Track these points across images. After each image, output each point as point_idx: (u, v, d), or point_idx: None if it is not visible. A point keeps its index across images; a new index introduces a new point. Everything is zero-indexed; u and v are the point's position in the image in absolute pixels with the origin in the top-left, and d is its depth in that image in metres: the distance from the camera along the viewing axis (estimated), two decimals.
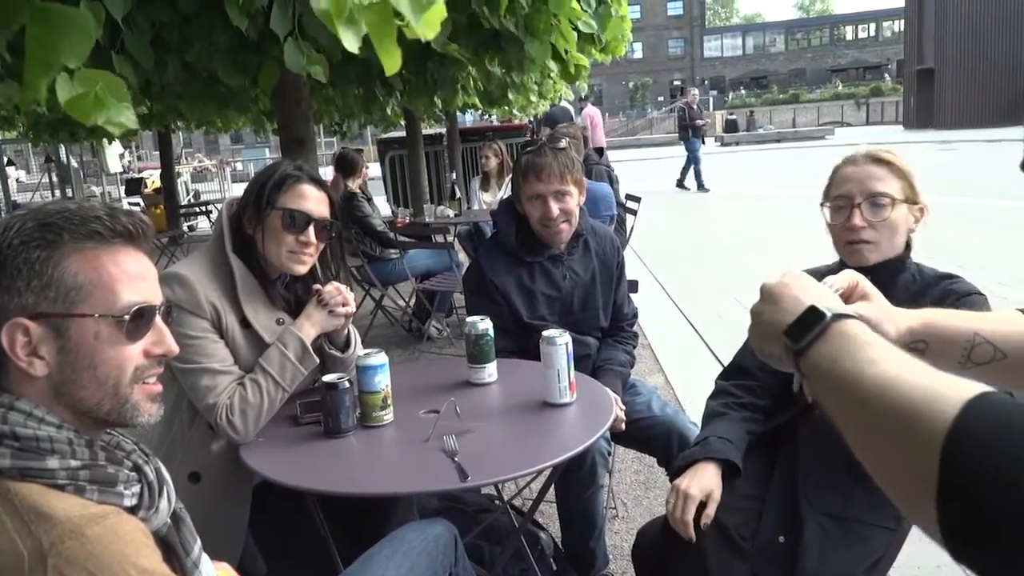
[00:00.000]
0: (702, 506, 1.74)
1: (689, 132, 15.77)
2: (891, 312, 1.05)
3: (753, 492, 1.84)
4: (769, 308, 0.92)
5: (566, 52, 3.67)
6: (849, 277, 1.06)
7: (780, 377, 1.96)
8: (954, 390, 0.62)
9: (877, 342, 0.75)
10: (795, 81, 59.28)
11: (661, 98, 60.17)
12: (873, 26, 61.51)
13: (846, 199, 1.77)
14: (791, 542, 1.74)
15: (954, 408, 0.60)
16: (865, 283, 1.06)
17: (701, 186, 15.74)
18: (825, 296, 0.90)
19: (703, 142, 16.16)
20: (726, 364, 2.10)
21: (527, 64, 3.89)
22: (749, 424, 1.91)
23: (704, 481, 1.77)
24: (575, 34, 3.51)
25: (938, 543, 0.59)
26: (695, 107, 16.03)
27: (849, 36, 62.85)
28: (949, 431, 0.59)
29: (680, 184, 16.45)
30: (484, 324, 2.15)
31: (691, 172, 16.01)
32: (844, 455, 1.70)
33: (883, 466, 0.66)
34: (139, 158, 31.22)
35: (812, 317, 0.82)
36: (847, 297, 1.07)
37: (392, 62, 0.82)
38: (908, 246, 1.85)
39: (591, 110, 13.43)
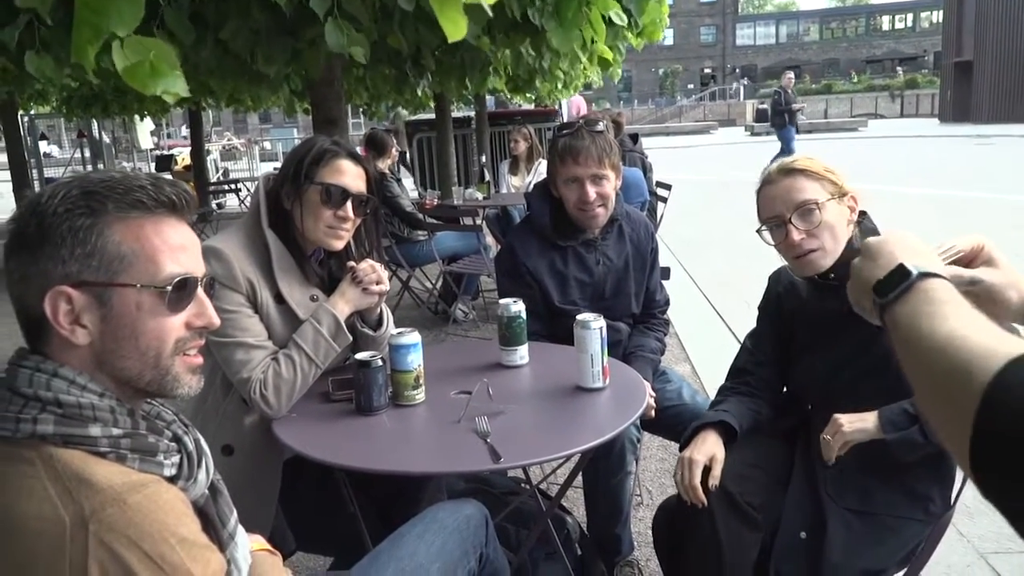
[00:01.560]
0: (708, 472, 1.81)
1: (785, 118, 14.63)
2: (1017, 279, 1.03)
3: (758, 462, 1.89)
4: (867, 264, 0.94)
5: (592, 42, 3.63)
6: (973, 241, 1.05)
7: (774, 369, 2.03)
8: (1007, 347, 0.65)
9: (955, 301, 0.78)
10: (829, 71, 58.49)
11: (691, 86, 59.68)
12: (911, 16, 60.53)
13: (777, 218, 1.80)
14: (813, 538, 1.76)
15: (1000, 363, 0.63)
16: (992, 248, 1.05)
17: None
18: (920, 255, 0.91)
19: (797, 130, 14.99)
20: None
21: (549, 53, 3.86)
22: (748, 403, 1.98)
23: (705, 446, 1.85)
24: (603, 25, 3.47)
25: (970, 477, 0.64)
26: (790, 91, 14.80)
27: (886, 26, 61.89)
28: (989, 383, 0.62)
29: None
30: (517, 306, 2.14)
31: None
32: (861, 452, 1.70)
33: (936, 414, 0.71)
34: (168, 135, 31.51)
35: (898, 274, 0.85)
36: (969, 261, 1.05)
37: (456, 29, 0.81)
38: (871, 232, 1.86)
39: (576, 99, 13.19)
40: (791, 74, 15.47)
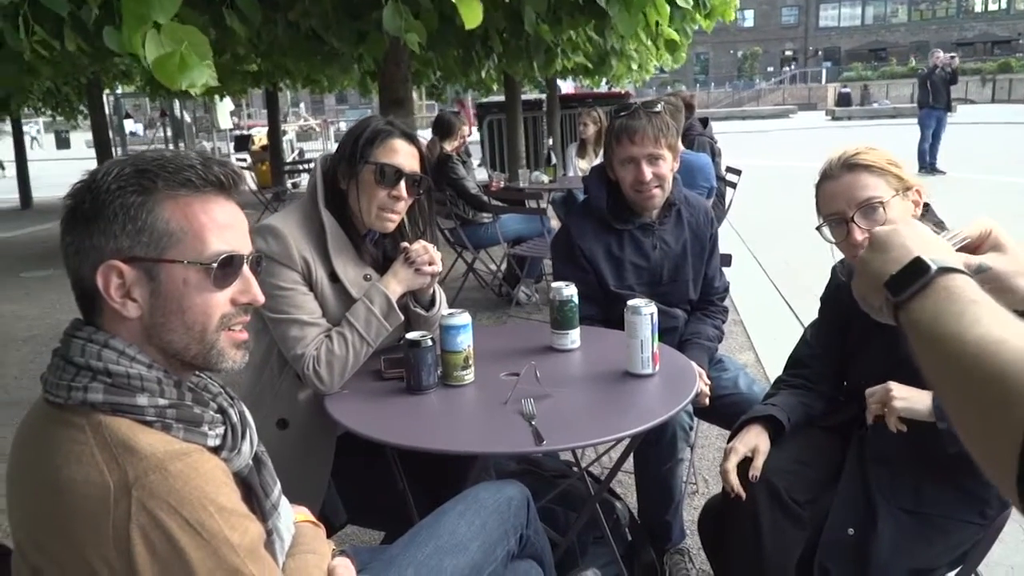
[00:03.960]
0: (751, 462, 1.80)
1: (929, 97, 12.86)
2: None
3: (808, 458, 1.86)
4: (876, 257, 0.86)
5: (657, 24, 3.56)
6: (981, 226, 0.99)
7: (832, 362, 1.98)
8: None
9: (983, 300, 0.71)
10: (917, 54, 56.24)
11: (771, 68, 58.19)
12: None
13: (838, 215, 1.72)
14: (862, 535, 1.72)
15: None
16: (999, 232, 0.99)
17: (932, 166, 12.70)
18: (935, 247, 0.84)
19: (949, 108, 13.04)
20: None
21: (613, 35, 3.80)
22: (800, 396, 1.96)
23: (747, 438, 1.85)
24: (668, 7, 3.40)
25: (1019, 509, 0.58)
26: (940, 68, 12.95)
27: (978, 8, 59.11)
28: None
29: (931, 166, 12.84)
30: (569, 290, 2.13)
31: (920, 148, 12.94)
32: (916, 450, 1.64)
33: (971, 428, 0.64)
34: (248, 115, 32.28)
35: (916, 269, 0.78)
36: (977, 247, 1.00)
37: (472, 15, 0.81)
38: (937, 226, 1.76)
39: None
40: (940, 52, 13.72)
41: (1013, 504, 0.58)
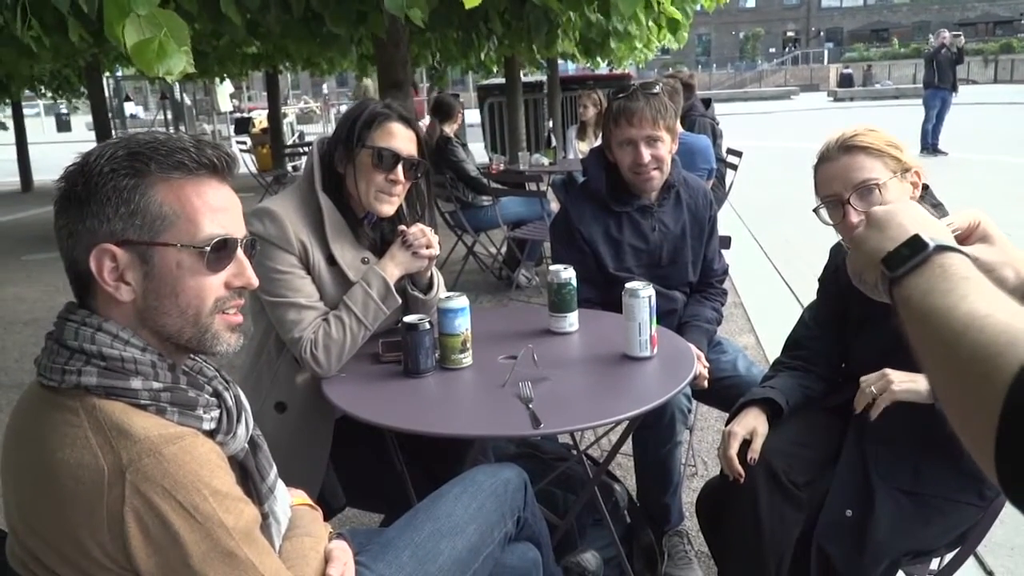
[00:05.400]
0: (749, 445, 1.80)
1: (934, 76, 12.76)
2: (1013, 256, 0.98)
3: (806, 440, 1.86)
4: (874, 234, 0.87)
5: (659, 3, 3.54)
6: (969, 217, 1.00)
7: (831, 344, 1.97)
8: None
9: (975, 278, 0.71)
10: (919, 34, 55.81)
11: (773, 49, 57.84)
12: None
13: (835, 197, 1.71)
14: (859, 516, 1.73)
15: None
16: (987, 224, 1.00)
17: (934, 147, 12.68)
18: (933, 227, 0.84)
19: (954, 89, 12.91)
20: None
21: (615, 15, 3.78)
22: (799, 378, 1.96)
23: (746, 420, 1.84)
24: None
25: (996, 483, 0.57)
26: (947, 49, 12.77)
27: None
28: (1019, 371, 0.56)
29: (934, 147, 12.80)
30: (567, 273, 2.13)
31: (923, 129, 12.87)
32: (915, 431, 1.63)
33: (955, 404, 0.64)
34: (249, 98, 32.16)
35: (913, 246, 0.78)
36: (965, 238, 1.00)
37: None
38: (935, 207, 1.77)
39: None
40: (946, 31, 13.46)
41: (991, 480, 0.58)
